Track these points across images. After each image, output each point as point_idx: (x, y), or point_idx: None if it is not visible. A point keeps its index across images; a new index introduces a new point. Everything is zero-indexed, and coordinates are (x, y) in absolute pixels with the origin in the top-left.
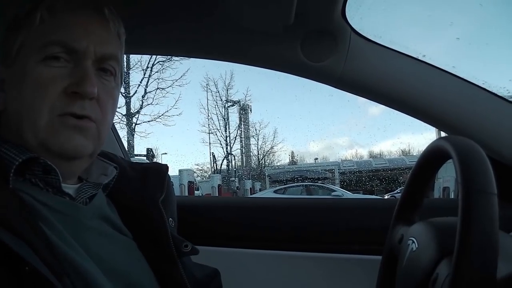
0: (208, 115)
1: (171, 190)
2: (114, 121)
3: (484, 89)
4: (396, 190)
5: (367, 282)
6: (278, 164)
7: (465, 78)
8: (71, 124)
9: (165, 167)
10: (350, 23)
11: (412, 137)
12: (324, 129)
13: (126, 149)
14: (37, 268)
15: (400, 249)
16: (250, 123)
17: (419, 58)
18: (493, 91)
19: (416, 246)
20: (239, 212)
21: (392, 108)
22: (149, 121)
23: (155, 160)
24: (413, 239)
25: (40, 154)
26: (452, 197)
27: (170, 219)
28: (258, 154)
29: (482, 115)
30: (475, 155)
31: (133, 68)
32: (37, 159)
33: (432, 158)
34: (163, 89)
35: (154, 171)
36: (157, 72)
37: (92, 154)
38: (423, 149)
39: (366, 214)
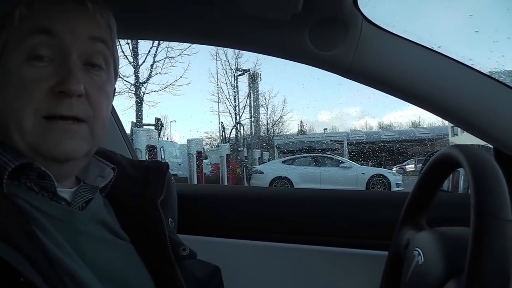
0: (218, 84)
1: (172, 189)
2: (122, 91)
3: (501, 82)
4: (405, 162)
5: (371, 277)
6: (287, 133)
7: (481, 70)
8: (58, 128)
9: (166, 166)
10: (362, 11)
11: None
12: (335, 98)
13: (135, 120)
14: (31, 280)
15: (405, 255)
16: (259, 92)
17: (434, 49)
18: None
19: (422, 260)
20: (242, 202)
21: (404, 100)
22: (157, 91)
23: (164, 129)
24: (419, 250)
25: (33, 158)
26: (462, 183)
27: (170, 219)
28: (267, 123)
29: (497, 110)
30: (491, 175)
31: None
32: (31, 165)
33: (444, 165)
34: (171, 58)
35: (154, 171)
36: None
37: (88, 153)
38: (436, 153)
39: (372, 208)
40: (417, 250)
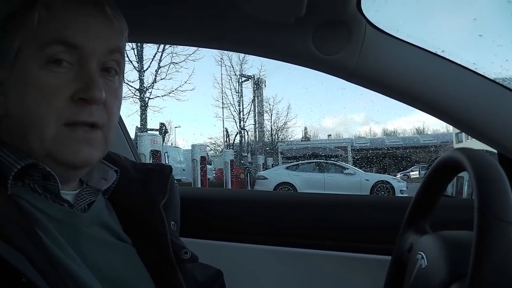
0: (222, 90)
1: (175, 192)
2: (127, 96)
3: (504, 86)
4: (410, 169)
5: (374, 281)
6: (291, 139)
7: (485, 75)
8: (80, 137)
9: (169, 168)
10: (366, 15)
11: (426, 115)
12: (339, 103)
13: (139, 125)
14: (33, 281)
15: (408, 260)
16: (264, 98)
17: (438, 53)
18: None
19: (426, 263)
20: (243, 206)
21: (407, 104)
22: (162, 96)
23: (168, 134)
24: (422, 254)
25: (45, 162)
26: (466, 188)
27: (172, 222)
28: (271, 129)
29: (501, 114)
30: (494, 177)
31: None
32: (36, 165)
33: (447, 168)
34: (176, 63)
35: (157, 173)
36: (170, 46)
37: (99, 159)
38: (439, 158)
39: (375, 212)
40: (420, 254)
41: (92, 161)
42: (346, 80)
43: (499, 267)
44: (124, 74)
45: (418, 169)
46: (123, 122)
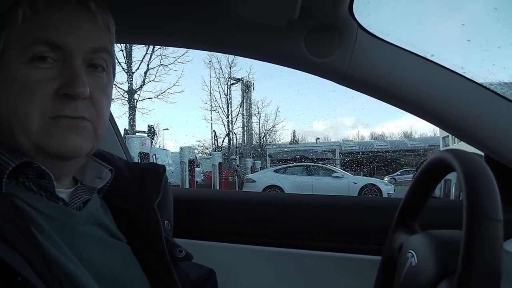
0: (211, 92)
1: (168, 191)
2: (116, 98)
3: (491, 90)
4: (397, 172)
5: (364, 281)
6: (280, 143)
7: (473, 79)
8: (65, 124)
9: (162, 168)
10: (357, 19)
11: (414, 119)
12: (329, 105)
13: (128, 127)
14: (29, 279)
15: (399, 259)
16: (252, 101)
17: (427, 57)
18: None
19: (416, 261)
20: (235, 206)
21: (397, 107)
22: (151, 98)
23: (156, 136)
24: (412, 252)
25: (36, 157)
26: (453, 191)
27: (166, 221)
28: (259, 132)
29: (488, 117)
30: (482, 176)
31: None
32: (31, 164)
33: (436, 169)
34: (165, 65)
35: (151, 173)
36: (159, 48)
37: (90, 152)
38: (428, 159)
39: (366, 213)
40: (410, 252)
41: (82, 151)
42: (338, 83)
43: (487, 263)
44: (115, 71)
45: (405, 173)
46: (115, 122)
